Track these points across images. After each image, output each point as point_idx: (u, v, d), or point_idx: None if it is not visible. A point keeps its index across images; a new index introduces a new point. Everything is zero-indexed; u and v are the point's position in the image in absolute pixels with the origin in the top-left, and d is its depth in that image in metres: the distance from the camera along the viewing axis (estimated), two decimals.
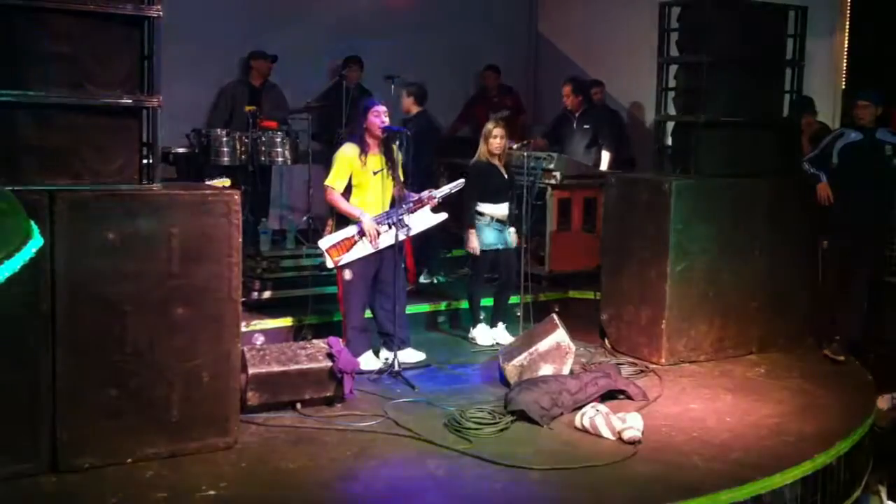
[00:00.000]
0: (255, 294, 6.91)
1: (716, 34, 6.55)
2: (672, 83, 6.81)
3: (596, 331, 6.94)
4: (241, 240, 4.64)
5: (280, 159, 7.84)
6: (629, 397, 5.57)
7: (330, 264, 6.05)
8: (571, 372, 5.78)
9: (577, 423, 5.07)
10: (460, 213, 6.88)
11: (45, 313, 4.19)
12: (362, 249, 6.00)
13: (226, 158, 7.63)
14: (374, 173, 6.02)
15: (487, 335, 6.84)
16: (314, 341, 5.59)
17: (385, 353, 6.21)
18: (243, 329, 5.72)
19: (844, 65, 8.38)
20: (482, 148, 6.74)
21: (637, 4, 8.87)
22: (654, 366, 6.29)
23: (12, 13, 4.19)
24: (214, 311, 4.56)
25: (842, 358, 6.55)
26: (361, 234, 5.99)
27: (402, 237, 6.00)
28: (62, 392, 4.24)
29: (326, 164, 6.90)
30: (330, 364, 5.27)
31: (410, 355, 6.25)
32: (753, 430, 5.14)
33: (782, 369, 6.37)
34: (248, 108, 7.97)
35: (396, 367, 5.89)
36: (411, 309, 6.79)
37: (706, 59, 6.52)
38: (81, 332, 4.27)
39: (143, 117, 4.55)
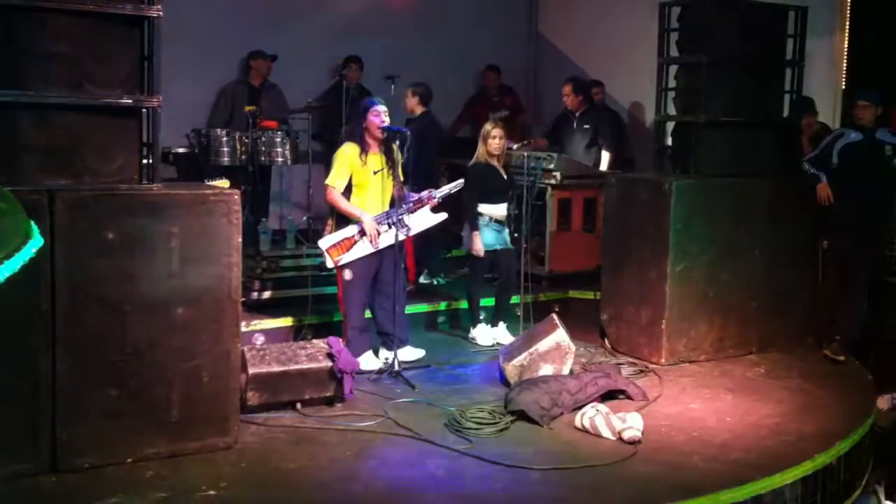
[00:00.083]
0: (255, 294, 6.91)
1: (716, 34, 6.55)
2: (672, 83, 6.81)
3: (596, 331, 6.95)
4: (240, 240, 4.64)
5: (280, 159, 7.84)
6: (629, 397, 5.57)
7: (330, 264, 6.05)
8: (571, 372, 5.78)
9: (577, 423, 5.07)
10: (460, 213, 6.89)
11: (45, 313, 4.19)
12: (362, 249, 6.00)
13: (226, 158, 7.63)
14: (375, 173, 6.02)
15: (487, 335, 6.84)
16: (314, 341, 5.59)
17: (385, 353, 6.22)
18: (243, 329, 5.73)
19: (844, 65, 8.38)
20: (481, 149, 6.74)
21: (637, 4, 8.87)
22: (654, 366, 6.29)
23: (12, 13, 4.19)
24: (214, 311, 4.56)
25: (842, 358, 6.55)
26: (362, 233, 5.99)
27: (401, 237, 5.99)
28: (62, 392, 4.24)
29: (326, 164, 6.91)
30: (330, 364, 5.27)
31: (409, 353, 6.25)
32: (753, 430, 5.14)
33: (782, 369, 6.37)
34: (248, 108, 7.98)
35: (396, 368, 5.89)
36: (411, 309, 6.80)
37: (706, 59, 6.52)
38: (81, 332, 4.27)
39: (143, 117, 4.55)
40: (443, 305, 7.48)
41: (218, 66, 8.86)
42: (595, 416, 5.01)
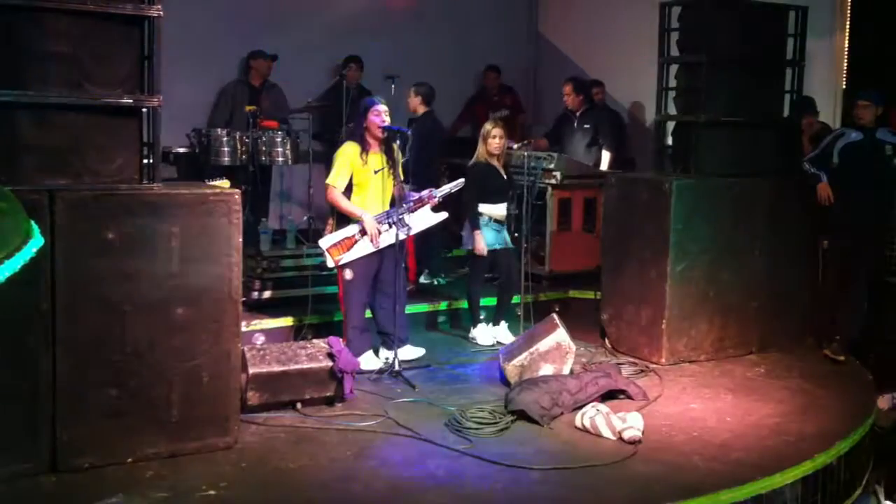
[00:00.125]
0: (256, 294, 6.91)
1: (716, 34, 6.55)
2: (672, 83, 6.81)
3: (596, 330, 6.95)
4: (241, 239, 4.64)
5: (280, 159, 7.85)
6: (629, 397, 5.57)
7: (331, 263, 6.05)
8: (572, 372, 5.77)
9: (578, 422, 5.07)
10: (459, 213, 6.88)
11: (45, 313, 4.19)
12: (363, 249, 6.00)
13: (226, 158, 7.64)
14: (375, 172, 6.02)
15: (488, 335, 6.84)
16: (314, 341, 5.59)
17: (385, 353, 6.22)
18: (243, 329, 5.72)
19: (845, 64, 8.37)
20: (481, 148, 6.74)
21: (637, 4, 8.87)
22: (655, 365, 6.29)
23: (12, 13, 4.19)
24: (214, 311, 4.56)
25: (842, 358, 6.55)
26: (362, 233, 5.99)
27: (402, 236, 5.99)
28: (62, 392, 4.24)
29: (327, 164, 6.92)
30: (330, 364, 5.27)
31: (409, 352, 6.26)
32: (754, 430, 5.14)
33: (782, 369, 6.37)
34: (248, 108, 7.98)
35: (396, 367, 5.89)
36: (411, 309, 6.80)
37: (706, 58, 6.53)
38: (81, 332, 4.27)
39: (143, 117, 4.55)
40: (443, 305, 7.48)
41: (218, 66, 8.87)
42: (595, 416, 5.01)
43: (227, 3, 9.02)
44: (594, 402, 5.27)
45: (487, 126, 6.77)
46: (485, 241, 6.68)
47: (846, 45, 8.34)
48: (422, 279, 7.98)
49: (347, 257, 6.00)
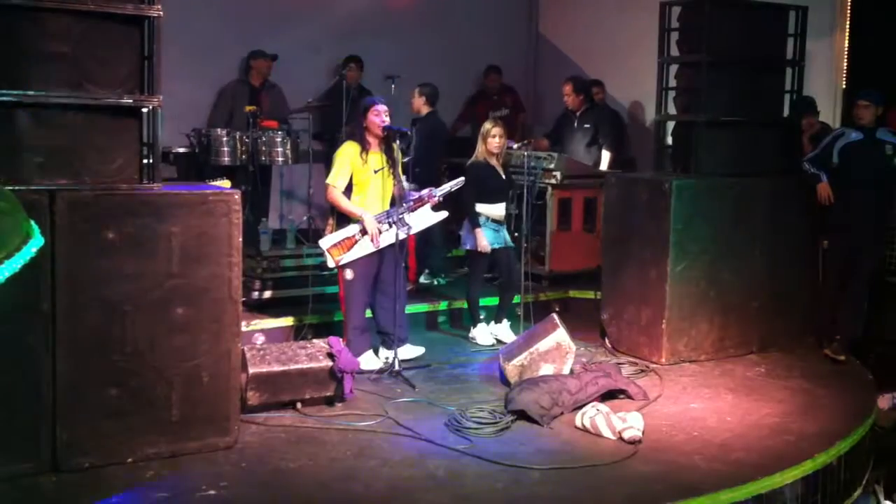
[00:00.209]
0: (256, 294, 6.91)
1: (716, 34, 6.55)
2: (672, 83, 6.81)
3: (596, 330, 6.95)
4: (241, 239, 4.64)
5: (280, 159, 7.84)
6: (629, 397, 5.57)
7: (331, 263, 6.05)
8: (572, 371, 5.77)
9: (578, 422, 5.07)
10: (459, 212, 6.88)
11: (45, 313, 4.19)
12: (363, 248, 6.00)
13: (226, 158, 7.63)
14: (375, 172, 6.02)
15: (487, 335, 6.84)
16: (314, 341, 5.60)
17: (385, 353, 6.21)
18: (243, 329, 5.73)
19: (845, 65, 8.37)
20: (480, 147, 6.74)
21: (637, 4, 8.87)
22: (655, 365, 6.29)
23: (12, 13, 4.19)
24: (214, 310, 4.56)
25: (842, 357, 6.55)
26: (363, 233, 5.98)
27: (402, 236, 5.99)
28: (62, 392, 4.25)
29: (327, 164, 6.91)
30: (330, 364, 5.27)
31: (409, 351, 6.26)
32: (754, 430, 5.14)
33: (783, 369, 6.37)
34: (248, 108, 7.97)
35: (396, 367, 5.89)
36: (411, 309, 6.80)
37: (706, 58, 6.53)
38: (81, 332, 4.27)
39: (143, 117, 4.54)
40: (443, 305, 7.48)
41: (218, 66, 8.86)
42: (595, 416, 5.01)
43: (227, 3, 9.01)
44: (594, 401, 5.27)
45: (487, 125, 6.77)
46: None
47: (846, 45, 8.34)
48: (422, 279, 7.98)
49: (348, 257, 6.00)
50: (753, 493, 4.41)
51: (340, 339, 5.57)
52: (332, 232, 6.09)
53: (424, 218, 6.28)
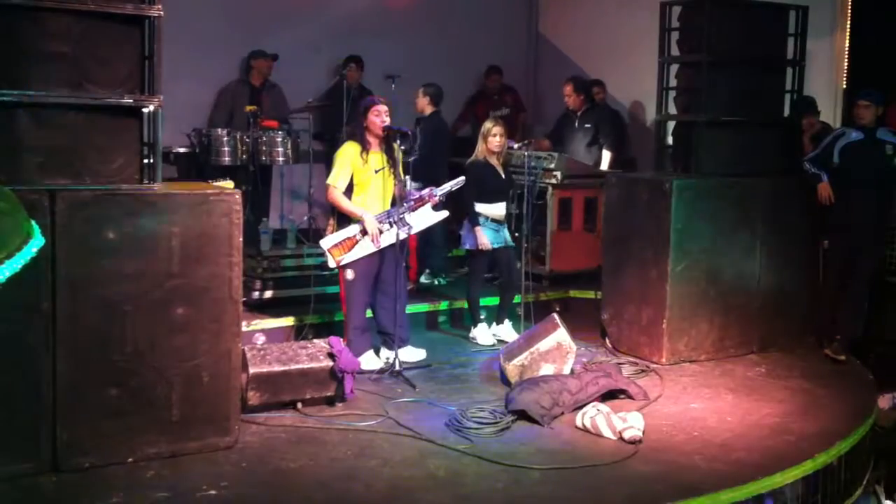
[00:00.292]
0: (256, 294, 6.91)
1: (716, 34, 6.54)
2: (673, 82, 6.81)
3: (597, 330, 6.94)
4: (241, 239, 4.64)
5: (281, 159, 7.84)
6: (630, 397, 5.57)
7: (332, 264, 6.04)
8: (572, 371, 5.77)
9: (578, 422, 5.07)
10: (459, 212, 6.88)
11: (45, 313, 4.19)
12: (364, 249, 6.00)
13: (227, 158, 7.63)
14: (376, 172, 6.02)
15: (488, 334, 6.84)
16: (315, 341, 5.60)
17: (386, 353, 6.21)
18: (244, 329, 5.72)
19: (845, 64, 8.37)
20: (480, 146, 6.74)
21: (637, 4, 8.87)
22: (655, 365, 6.29)
23: (12, 13, 4.19)
24: (215, 310, 4.56)
25: (843, 357, 6.55)
26: (363, 233, 5.98)
27: (403, 236, 5.99)
28: (62, 392, 4.24)
29: (327, 164, 6.91)
30: (331, 364, 5.27)
31: (411, 354, 6.25)
32: (754, 430, 5.14)
33: (783, 369, 6.37)
34: (248, 108, 7.98)
35: (397, 367, 5.89)
36: (411, 308, 6.79)
37: (707, 58, 6.53)
38: (81, 332, 4.27)
39: (143, 117, 4.54)
40: (443, 305, 7.48)
41: (218, 66, 8.86)
42: (596, 416, 5.01)
43: (227, 3, 9.01)
44: (595, 401, 5.27)
45: (488, 124, 6.76)
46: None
47: (846, 45, 8.33)
48: (422, 279, 7.98)
49: (349, 257, 5.99)
50: (754, 493, 4.41)
51: (341, 339, 5.56)
52: (332, 232, 6.09)
53: (425, 218, 6.28)
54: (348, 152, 6.01)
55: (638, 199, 6.54)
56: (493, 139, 6.67)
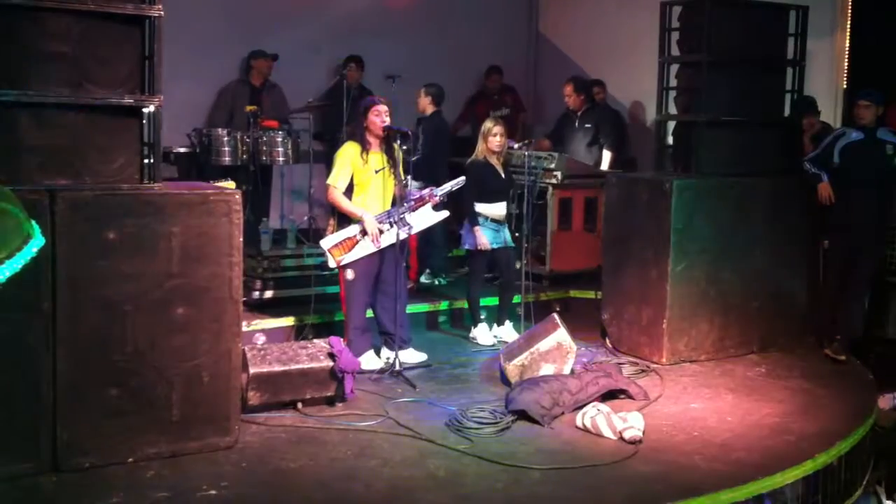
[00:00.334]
0: (256, 294, 6.91)
1: (716, 33, 6.55)
2: (673, 82, 6.81)
3: (597, 330, 6.94)
4: (241, 239, 4.64)
5: (281, 159, 7.84)
6: (630, 397, 5.57)
7: (332, 264, 6.04)
8: (572, 371, 5.77)
9: (578, 422, 5.07)
10: (459, 212, 6.88)
11: (45, 313, 4.19)
12: (364, 249, 6.00)
13: (227, 158, 7.64)
14: (376, 172, 6.02)
15: (488, 335, 6.84)
16: (315, 341, 5.60)
17: (386, 353, 6.21)
18: (244, 328, 5.72)
19: (845, 64, 8.37)
20: (481, 146, 6.74)
21: (637, 4, 8.87)
22: (655, 365, 6.29)
23: (12, 13, 4.19)
24: (215, 310, 4.56)
25: (843, 357, 6.55)
26: (363, 233, 5.98)
27: (403, 236, 5.99)
28: (62, 392, 4.24)
29: (327, 164, 6.91)
30: (331, 364, 5.27)
31: (412, 356, 6.25)
32: (754, 430, 5.14)
33: (783, 369, 6.37)
34: (248, 108, 7.98)
35: (397, 367, 5.89)
36: (412, 308, 6.79)
37: (707, 58, 6.53)
38: (82, 332, 4.27)
39: (143, 117, 4.54)
40: (444, 305, 7.48)
41: (218, 66, 8.86)
42: (596, 416, 5.01)
43: (227, 3, 9.01)
44: (595, 401, 5.27)
45: (488, 124, 6.76)
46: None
47: (847, 45, 8.33)
48: (423, 279, 7.98)
49: (349, 258, 5.99)
50: (754, 493, 4.41)
51: (341, 339, 5.57)
52: (333, 232, 6.09)
53: (425, 217, 6.28)
54: (348, 152, 6.02)
55: (638, 199, 6.54)
56: (493, 139, 6.67)
